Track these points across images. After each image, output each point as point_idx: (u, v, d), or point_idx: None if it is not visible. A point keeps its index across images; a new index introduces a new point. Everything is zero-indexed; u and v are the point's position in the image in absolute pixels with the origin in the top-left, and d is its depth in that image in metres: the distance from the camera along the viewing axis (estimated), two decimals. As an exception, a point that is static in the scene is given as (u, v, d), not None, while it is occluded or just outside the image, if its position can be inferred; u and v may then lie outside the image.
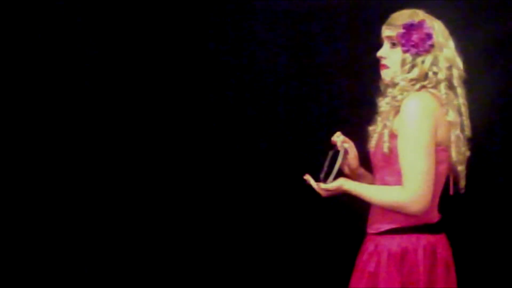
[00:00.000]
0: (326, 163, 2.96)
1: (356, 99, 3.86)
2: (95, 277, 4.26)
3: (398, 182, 2.79)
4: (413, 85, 2.84)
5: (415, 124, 2.74)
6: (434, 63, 2.85)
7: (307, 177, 2.96)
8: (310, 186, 2.95)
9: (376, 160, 2.89)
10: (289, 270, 4.19)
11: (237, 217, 4.22)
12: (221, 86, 4.21)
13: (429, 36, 2.84)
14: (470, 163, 2.94)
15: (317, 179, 2.93)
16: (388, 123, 2.82)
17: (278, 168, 4.16)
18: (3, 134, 4.20)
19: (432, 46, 2.84)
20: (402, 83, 2.84)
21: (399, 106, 2.80)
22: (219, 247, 4.24)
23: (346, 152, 2.98)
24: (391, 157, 2.82)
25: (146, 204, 4.25)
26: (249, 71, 4.18)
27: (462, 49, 2.95)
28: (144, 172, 4.24)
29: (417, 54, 2.84)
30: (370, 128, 2.95)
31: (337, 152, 2.96)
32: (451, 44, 2.88)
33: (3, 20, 4.15)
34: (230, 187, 4.21)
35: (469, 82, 2.94)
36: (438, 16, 2.95)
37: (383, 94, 2.94)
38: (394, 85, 2.86)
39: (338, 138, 2.99)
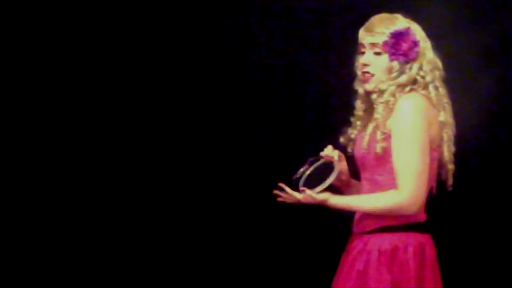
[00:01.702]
0: (309, 170, 2.86)
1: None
2: (95, 277, 4.29)
3: (390, 180, 2.80)
4: (403, 89, 2.83)
5: (410, 124, 2.76)
6: (420, 67, 2.86)
7: (282, 185, 2.89)
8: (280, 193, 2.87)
9: (367, 161, 2.87)
10: (273, 270, 4.21)
11: (224, 218, 4.24)
12: (212, 87, 4.25)
13: (416, 43, 2.84)
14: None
15: (290, 182, 2.87)
16: (380, 124, 2.81)
17: (262, 169, 4.17)
18: (3, 134, 4.23)
19: (418, 52, 2.85)
20: (391, 88, 2.83)
21: (392, 108, 2.81)
22: (208, 246, 4.26)
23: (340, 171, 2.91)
24: (384, 157, 2.81)
25: (140, 203, 4.27)
26: (241, 72, 4.22)
27: (458, 52, 2.97)
28: (140, 172, 4.27)
29: (405, 62, 2.84)
30: (352, 132, 2.94)
31: (329, 166, 2.86)
32: (429, 45, 2.90)
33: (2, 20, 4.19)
34: (219, 187, 4.24)
35: (462, 83, 2.97)
36: (436, 18, 2.96)
37: (361, 97, 2.93)
38: (381, 92, 2.84)
39: (333, 152, 2.91)
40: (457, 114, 2.93)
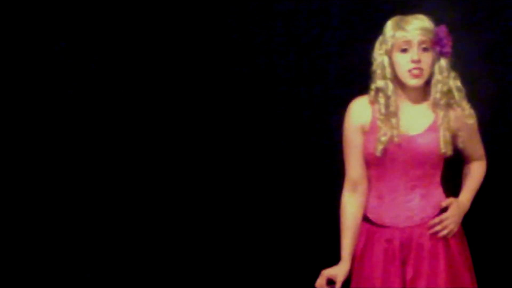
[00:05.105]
0: None
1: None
2: (96, 278, 4.27)
3: (439, 183, 3.03)
4: None
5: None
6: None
7: None
8: None
9: (425, 159, 2.99)
10: (274, 271, 4.23)
11: (225, 217, 4.24)
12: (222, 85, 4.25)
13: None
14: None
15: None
16: (446, 126, 2.97)
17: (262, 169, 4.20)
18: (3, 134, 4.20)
19: None
20: (457, 93, 3.01)
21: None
22: (208, 246, 4.25)
23: None
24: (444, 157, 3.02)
25: (146, 205, 4.27)
26: (255, 71, 4.24)
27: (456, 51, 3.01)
28: (145, 173, 4.26)
29: (448, 58, 3.01)
30: (390, 131, 2.98)
31: None
32: None
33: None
34: (229, 185, 4.23)
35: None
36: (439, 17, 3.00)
37: (392, 95, 2.99)
38: (449, 89, 2.99)
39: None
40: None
